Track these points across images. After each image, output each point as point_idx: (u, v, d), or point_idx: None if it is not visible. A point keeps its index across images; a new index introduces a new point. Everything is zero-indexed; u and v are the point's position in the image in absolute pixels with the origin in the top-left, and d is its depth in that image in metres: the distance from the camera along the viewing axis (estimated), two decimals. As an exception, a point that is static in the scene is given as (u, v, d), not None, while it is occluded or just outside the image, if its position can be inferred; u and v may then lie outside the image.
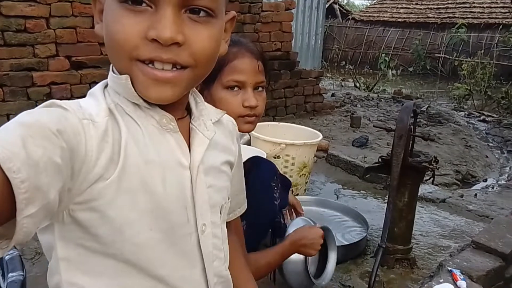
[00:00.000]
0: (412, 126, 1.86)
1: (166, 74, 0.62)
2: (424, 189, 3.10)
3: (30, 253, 2.01)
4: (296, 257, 1.50)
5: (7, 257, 1.15)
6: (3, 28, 3.07)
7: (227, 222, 0.90)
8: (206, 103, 0.79)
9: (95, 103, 0.65)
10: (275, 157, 2.44)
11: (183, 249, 0.70)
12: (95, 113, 0.62)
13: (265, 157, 1.65)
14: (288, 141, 2.48)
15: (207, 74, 0.71)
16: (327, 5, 10.46)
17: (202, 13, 0.63)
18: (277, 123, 3.08)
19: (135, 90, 0.65)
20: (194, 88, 0.76)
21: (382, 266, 2.02)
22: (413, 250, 2.12)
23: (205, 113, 0.76)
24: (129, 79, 0.64)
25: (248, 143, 2.23)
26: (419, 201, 2.88)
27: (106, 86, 0.69)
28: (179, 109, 0.73)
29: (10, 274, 1.10)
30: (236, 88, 1.26)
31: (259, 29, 4.62)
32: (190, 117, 0.75)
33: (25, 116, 0.54)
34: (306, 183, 2.76)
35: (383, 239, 1.78)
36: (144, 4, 0.60)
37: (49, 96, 3.30)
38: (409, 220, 2.01)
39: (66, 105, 0.60)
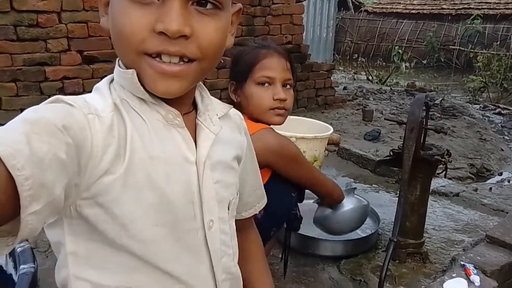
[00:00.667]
0: (424, 119, 1.83)
1: (174, 68, 0.62)
2: (437, 182, 3.07)
3: (43, 246, 2.04)
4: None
5: (18, 250, 1.17)
6: (15, 23, 3.10)
7: (246, 218, 0.91)
8: (212, 98, 0.78)
9: (100, 98, 0.65)
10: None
11: (189, 245, 0.70)
12: (101, 108, 0.62)
13: None
14: (299, 135, 2.45)
15: (214, 67, 0.70)
16: (339, -3, 10.36)
17: (209, 6, 0.63)
18: (289, 116, 3.05)
19: (142, 84, 0.64)
20: (200, 83, 0.75)
21: (393, 260, 2.00)
22: (425, 244, 2.10)
23: (210, 108, 0.75)
24: (135, 74, 0.63)
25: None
26: (432, 195, 2.85)
27: (111, 80, 0.69)
28: (185, 104, 0.72)
29: (21, 266, 1.12)
30: (266, 84, 1.41)
31: (270, 22, 4.59)
32: (196, 112, 0.74)
33: (30, 113, 0.53)
34: (317, 176, 2.74)
35: (394, 233, 1.76)
36: None
37: (62, 91, 3.33)
38: (421, 214, 1.98)
39: (71, 101, 0.59)
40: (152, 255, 0.66)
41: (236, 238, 0.81)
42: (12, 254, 1.18)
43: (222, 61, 4.38)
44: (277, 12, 4.63)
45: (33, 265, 1.12)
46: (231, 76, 1.50)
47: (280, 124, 1.44)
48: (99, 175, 0.59)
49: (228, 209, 0.77)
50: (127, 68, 0.65)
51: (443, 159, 1.79)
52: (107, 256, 0.64)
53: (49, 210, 0.51)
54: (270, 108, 1.40)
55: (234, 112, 0.84)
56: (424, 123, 1.82)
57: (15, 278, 1.14)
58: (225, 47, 0.69)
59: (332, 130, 2.71)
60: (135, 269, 0.66)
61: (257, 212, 0.95)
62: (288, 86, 1.45)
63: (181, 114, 0.69)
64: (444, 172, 1.91)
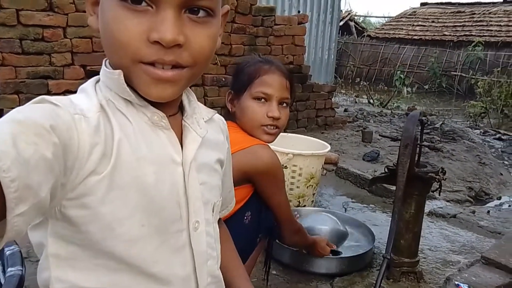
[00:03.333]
0: (419, 136, 1.84)
1: (167, 74, 0.63)
2: (435, 204, 3.05)
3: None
4: None
5: (7, 253, 1.17)
6: (21, 37, 3.16)
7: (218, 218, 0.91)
8: (199, 103, 0.80)
9: (86, 99, 0.65)
10: (282, 167, 2.43)
11: (174, 246, 0.70)
12: (87, 108, 0.62)
13: None
14: (296, 151, 2.48)
15: (203, 72, 0.71)
16: (342, 22, 10.52)
17: (201, 13, 0.64)
18: (286, 133, 3.07)
19: (136, 88, 0.65)
20: (188, 87, 0.76)
21: (387, 279, 1.98)
22: (420, 264, 2.08)
23: (197, 112, 0.77)
24: (122, 75, 0.64)
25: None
26: (429, 216, 2.84)
27: (97, 81, 0.69)
28: (172, 107, 0.73)
29: (9, 269, 1.11)
30: (263, 100, 1.41)
31: (272, 42, 4.66)
32: (182, 114, 0.75)
33: (16, 113, 0.53)
34: (314, 194, 2.74)
35: (388, 250, 1.74)
36: (144, 4, 0.60)
37: (63, 104, 3.37)
38: (415, 233, 1.97)
39: (57, 101, 0.59)
40: (136, 256, 0.66)
41: (219, 241, 0.81)
42: (1, 256, 1.18)
43: (224, 79, 4.43)
44: (279, 32, 4.70)
45: (21, 268, 1.11)
46: (231, 85, 1.51)
47: (268, 142, 1.43)
48: (85, 175, 0.59)
49: (213, 211, 0.78)
50: (116, 69, 0.66)
51: (437, 176, 1.79)
52: (90, 259, 0.64)
53: (35, 212, 0.50)
54: (262, 124, 1.40)
55: (218, 117, 0.86)
56: (418, 140, 1.83)
57: (3, 280, 1.14)
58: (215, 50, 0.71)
59: (329, 147, 2.72)
60: (117, 271, 0.66)
61: (229, 212, 0.97)
62: (284, 104, 1.44)
63: (167, 116, 0.70)
64: (439, 190, 1.90)
